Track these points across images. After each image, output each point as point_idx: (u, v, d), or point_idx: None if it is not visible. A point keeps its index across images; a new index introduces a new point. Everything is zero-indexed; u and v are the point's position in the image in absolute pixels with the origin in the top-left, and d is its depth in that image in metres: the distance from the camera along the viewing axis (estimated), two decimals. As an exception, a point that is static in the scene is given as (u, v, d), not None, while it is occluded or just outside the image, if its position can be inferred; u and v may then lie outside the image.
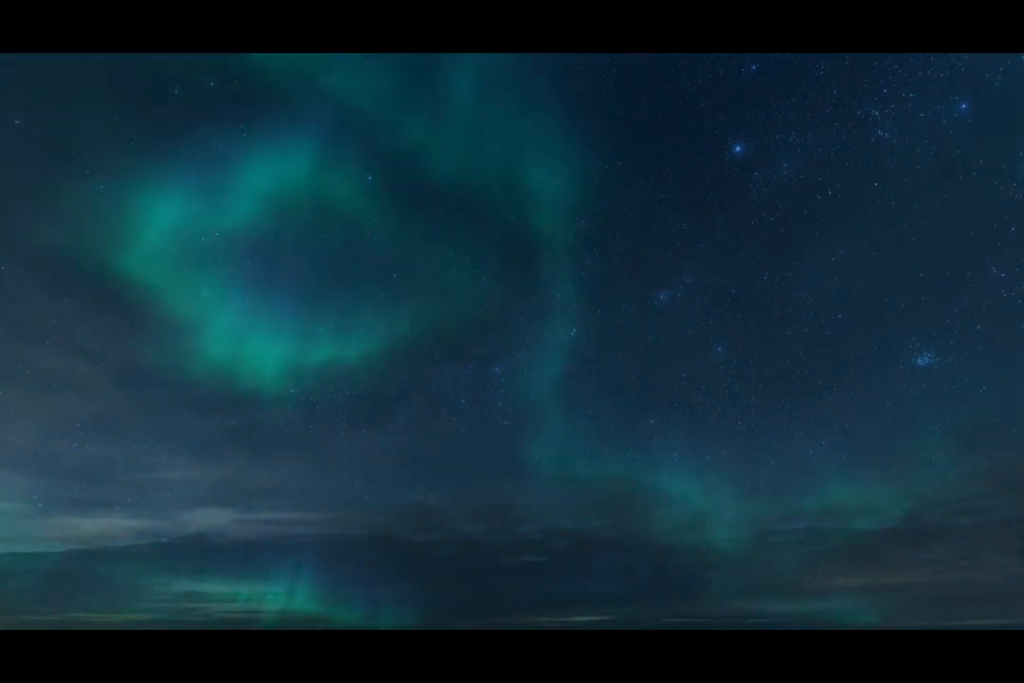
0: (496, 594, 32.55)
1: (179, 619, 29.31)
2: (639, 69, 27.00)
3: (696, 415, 30.30)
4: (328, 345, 31.37)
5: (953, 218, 25.60)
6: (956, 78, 24.31)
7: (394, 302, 30.86)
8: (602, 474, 31.68)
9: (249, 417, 30.64)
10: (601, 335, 31.11)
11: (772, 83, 26.30)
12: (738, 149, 27.72)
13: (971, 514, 27.91)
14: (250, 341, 29.91)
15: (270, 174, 28.32)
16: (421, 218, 30.58)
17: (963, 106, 24.53)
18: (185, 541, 33.12)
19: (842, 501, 30.07)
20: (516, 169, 29.76)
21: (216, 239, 28.61)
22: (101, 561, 32.09)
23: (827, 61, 25.36)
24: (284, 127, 28.15)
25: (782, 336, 29.16)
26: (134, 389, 28.86)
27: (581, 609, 31.36)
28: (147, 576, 31.96)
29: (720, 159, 28.10)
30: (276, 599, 31.47)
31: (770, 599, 30.72)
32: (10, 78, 24.25)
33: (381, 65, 26.84)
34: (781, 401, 29.57)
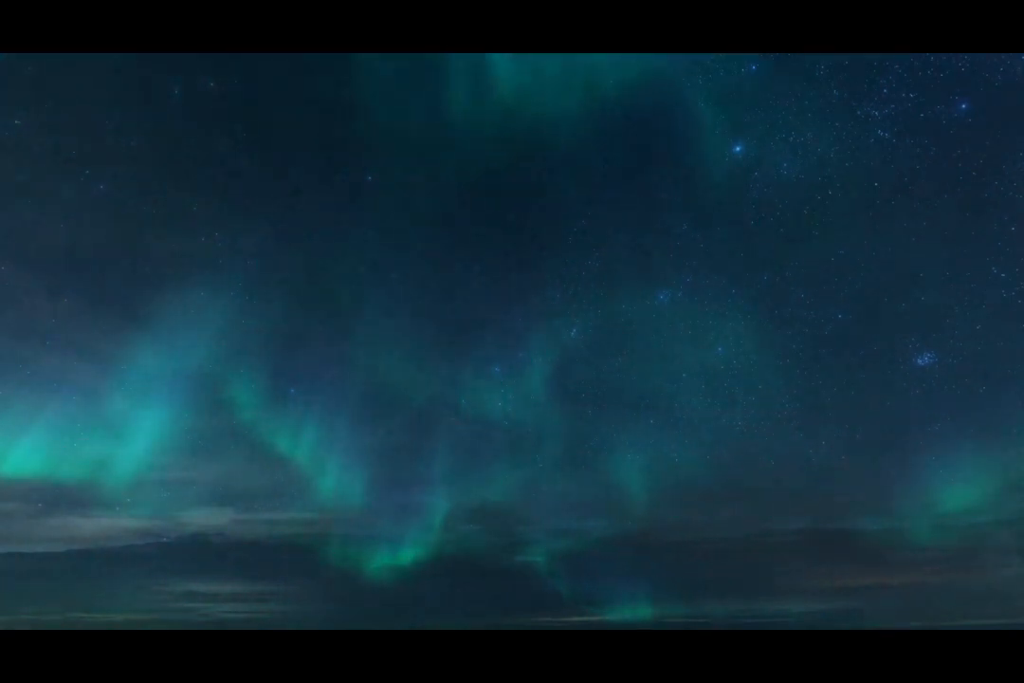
0: (496, 594, 32.56)
1: (179, 619, 29.33)
2: (639, 69, 26.96)
3: (696, 415, 30.28)
4: (326, 345, 31.42)
5: (953, 218, 25.59)
6: (956, 78, 24.30)
7: (393, 302, 30.89)
8: (602, 474, 31.73)
9: (249, 416, 30.63)
10: (601, 335, 31.10)
11: (772, 83, 26.27)
12: (738, 149, 27.70)
13: (971, 514, 27.91)
14: (247, 340, 29.94)
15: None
16: (420, 218, 30.60)
17: (963, 106, 24.51)
18: (185, 541, 33.09)
19: (841, 501, 30.11)
20: (515, 169, 29.81)
21: (218, 243, 28.65)
22: (101, 561, 32.05)
23: (827, 61, 25.32)
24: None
25: (782, 336, 29.15)
26: (134, 389, 28.81)
27: (581, 609, 31.39)
28: (147, 576, 31.93)
29: (720, 159, 28.08)
30: (279, 600, 31.52)
31: (770, 599, 30.75)
32: (10, 78, 24.25)
33: (370, 63, 26.79)
34: (781, 401, 29.55)
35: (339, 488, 31.93)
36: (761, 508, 31.53)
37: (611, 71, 27.10)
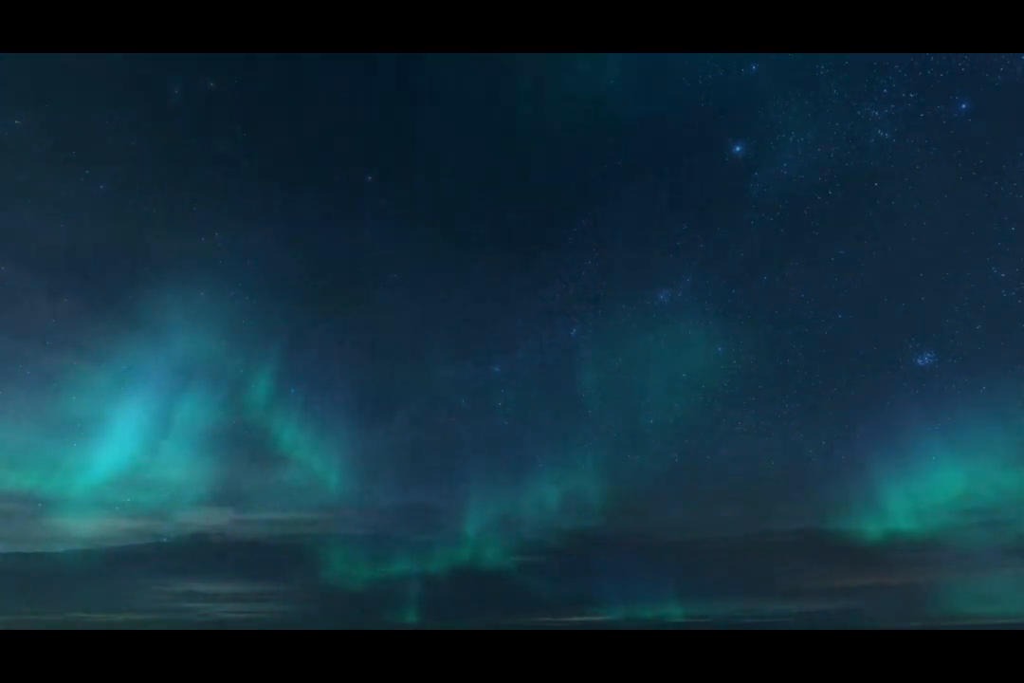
0: (496, 594, 32.55)
1: (179, 619, 29.33)
2: (639, 69, 26.97)
3: (696, 415, 30.30)
4: (326, 345, 31.44)
5: (953, 218, 25.61)
6: (956, 78, 24.34)
7: (393, 302, 30.92)
8: (602, 474, 31.74)
9: (249, 416, 30.65)
10: (601, 335, 31.11)
11: (772, 83, 26.29)
12: (738, 149, 27.72)
13: (971, 514, 27.92)
14: (247, 340, 29.97)
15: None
16: (421, 218, 30.64)
17: (963, 106, 24.56)
18: (185, 541, 33.11)
19: (842, 501, 30.11)
20: (516, 169, 29.84)
21: (218, 243, 28.68)
22: (101, 561, 32.06)
23: (827, 61, 25.35)
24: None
25: (782, 336, 29.17)
26: (133, 389, 28.83)
27: (581, 609, 31.38)
28: (147, 576, 31.95)
29: (720, 159, 28.09)
30: (279, 600, 31.53)
31: (770, 599, 30.74)
32: (10, 78, 24.26)
33: (370, 63, 26.86)
34: (781, 401, 29.58)
35: (338, 488, 31.99)
36: (761, 508, 31.58)
37: (611, 72, 27.15)
